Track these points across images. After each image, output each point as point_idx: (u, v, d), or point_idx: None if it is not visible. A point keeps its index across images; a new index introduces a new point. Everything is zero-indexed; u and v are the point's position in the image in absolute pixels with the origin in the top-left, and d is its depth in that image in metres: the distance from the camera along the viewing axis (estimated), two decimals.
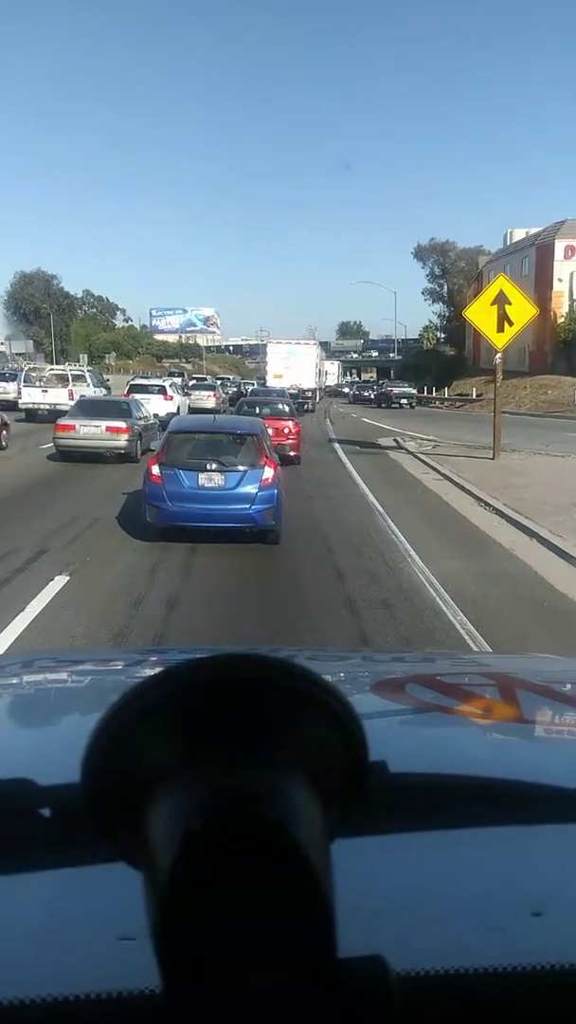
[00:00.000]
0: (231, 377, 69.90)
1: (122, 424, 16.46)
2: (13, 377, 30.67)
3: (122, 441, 16.30)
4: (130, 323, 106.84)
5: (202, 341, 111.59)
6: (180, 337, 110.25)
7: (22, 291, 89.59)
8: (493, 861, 0.88)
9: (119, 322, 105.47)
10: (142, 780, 0.52)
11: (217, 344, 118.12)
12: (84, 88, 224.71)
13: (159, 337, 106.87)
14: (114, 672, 2.03)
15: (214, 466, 9.16)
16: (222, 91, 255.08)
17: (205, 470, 9.12)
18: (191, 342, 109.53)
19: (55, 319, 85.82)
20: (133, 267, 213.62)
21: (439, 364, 67.85)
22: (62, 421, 17.02)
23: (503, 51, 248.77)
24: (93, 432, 16.20)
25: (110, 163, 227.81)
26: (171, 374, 51.60)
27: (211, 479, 9.11)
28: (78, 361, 57.39)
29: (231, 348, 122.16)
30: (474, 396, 49.46)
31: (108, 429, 16.23)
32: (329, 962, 0.50)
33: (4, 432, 18.37)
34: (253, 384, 45.03)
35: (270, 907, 0.48)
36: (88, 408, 17.40)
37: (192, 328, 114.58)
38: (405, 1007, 0.53)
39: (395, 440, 23.56)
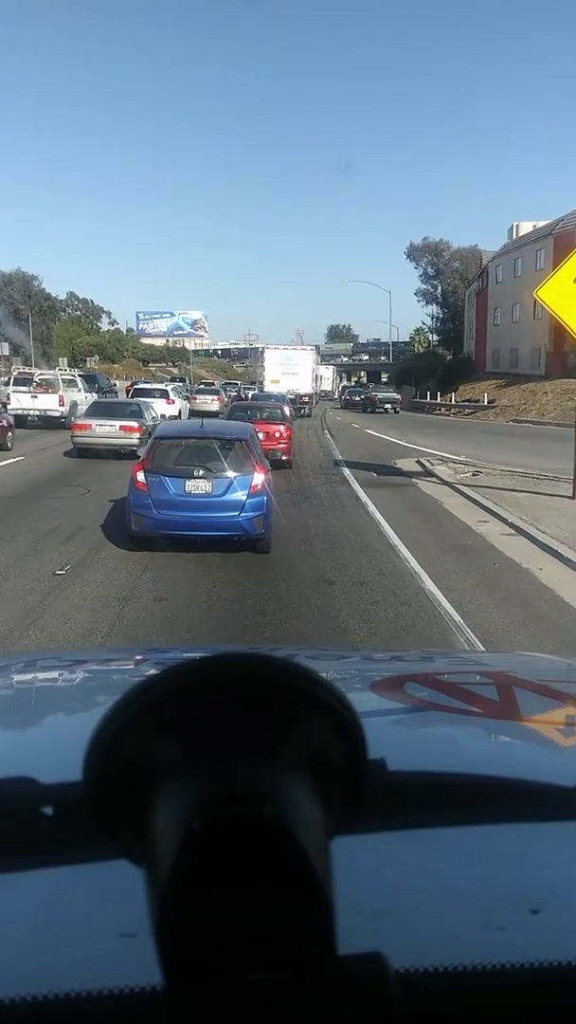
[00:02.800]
0: (237, 382, 67.79)
1: (134, 423, 17.92)
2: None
3: (134, 439, 17.03)
4: (116, 326, 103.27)
5: (190, 345, 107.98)
6: (167, 341, 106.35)
7: (0, 292, 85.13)
8: (492, 859, 0.88)
9: (104, 325, 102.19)
10: (143, 778, 0.52)
11: (205, 348, 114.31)
12: (73, 86, 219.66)
13: (145, 341, 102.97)
14: (115, 671, 2.03)
15: (201, 472, 8.85)
16: (212, 90, 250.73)
17: (192, 476, 8.82)
18: (178, 346, 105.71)
19: (36, 321, 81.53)
20: (120, 270, 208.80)
21: (443, 367, 63.07)
22: (79, 421, 18.80)
23: (502, 48, 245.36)
24: (108, 431, 17.73)
25: (97, 162, 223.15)
26: (172, 379, 53.84)
27: (198, 486, 8.79)
28: (58, 364, 57.65)
29: (219, 352, 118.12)
30: (485, 402, 44.65)
31: (122, 428, 17.74)
32: (329, 959, 0.50)
33: (10, 434, 19.15)
34: (254, 389, 44.95)
35: (270, 905, 0.48)
36: (103, 409, 19.43)
37: (180, 332, 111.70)
38: (404, 1004, 0.53)
39: (419, 463, 18.67)
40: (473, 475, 16.13)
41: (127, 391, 32.95)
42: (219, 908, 0.48)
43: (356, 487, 14.73)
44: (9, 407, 24.43)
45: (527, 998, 0.66)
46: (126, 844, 0.53)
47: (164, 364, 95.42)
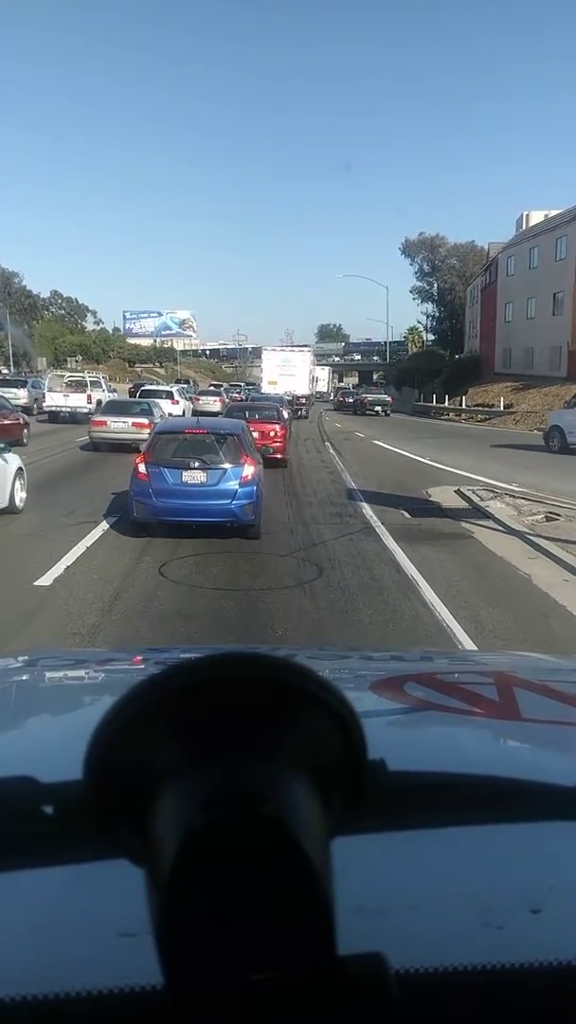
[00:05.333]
0: (241, 384, 67.46)
1: (145, 420, 19.61)
2: (24, 384, 33.77)
3: (145, 435, 17.76)
4: (101, 326, 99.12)
5: (178, 345, 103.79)
6: (155, 341, 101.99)
7: None
8: (492, 859, 0.88)
9: (90, 324, 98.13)
10: (144, 778, 0.52)
11: (194, 348, 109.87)
12: (61, 81, 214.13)
13: (132, 341, 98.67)
14: (115, 671, 2.03)
15: (197, 464, 9.63)
16: (203, 87, 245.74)
17: (188, 468, 9.59)
18: (166, 346, 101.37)
19: (18, 320, 77.04)
20: (106, 269, 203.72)
21: (450, 368, 58.45)
22: (96, 418, 21.05)
23: (501, 45, 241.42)
24: (121, 427, 20.01)
25: (84, 159, 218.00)
26: (177, 380, 56.38)
27: (194, 476, 9.57)
28: (37, 364, 58.68)
29: (207, 352, 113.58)
30: (502, 407, 40.04)
31: (134, 424, 19.75)
32: (329, 959, 0.50)
33: (25, 431, 20.72)
34: (255, 391, 45.11)
35: (271, 904, 0.48)
36: (117, 408, 21.93)
37: (168, 332, 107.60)
38: (405, 1004, 0.53)
39: (461, 494, 14.05)
40: (546, 519, 11.50)
41: (130, 392, 36.79)
42: (219, 907, 0.48)
43: (389, 541, 10.08)
44: (44, 405, 29.53)
45: (527, 998, 0.65)
46: (126, 844, 0.53)
47: (151, 365, 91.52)
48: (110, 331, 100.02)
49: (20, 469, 11.46)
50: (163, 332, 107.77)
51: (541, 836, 0.91)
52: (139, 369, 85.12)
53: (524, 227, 53.63)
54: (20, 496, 11.38)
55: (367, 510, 12.41)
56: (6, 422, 19.67)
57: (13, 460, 11.38)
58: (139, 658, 2.22)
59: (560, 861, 0.89)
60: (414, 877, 0.85)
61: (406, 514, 12.21)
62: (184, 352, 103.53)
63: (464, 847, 0.88)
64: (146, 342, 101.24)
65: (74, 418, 27.24)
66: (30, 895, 0.77)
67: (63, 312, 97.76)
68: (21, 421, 20.85)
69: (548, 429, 24.00)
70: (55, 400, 29.54)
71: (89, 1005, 0.59)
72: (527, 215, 55.13)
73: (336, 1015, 0.51)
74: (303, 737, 0.53)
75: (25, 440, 20.13)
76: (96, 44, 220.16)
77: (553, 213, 48.01)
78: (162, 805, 0.51)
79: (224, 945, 0.48)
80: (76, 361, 78.75)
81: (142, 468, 9.66)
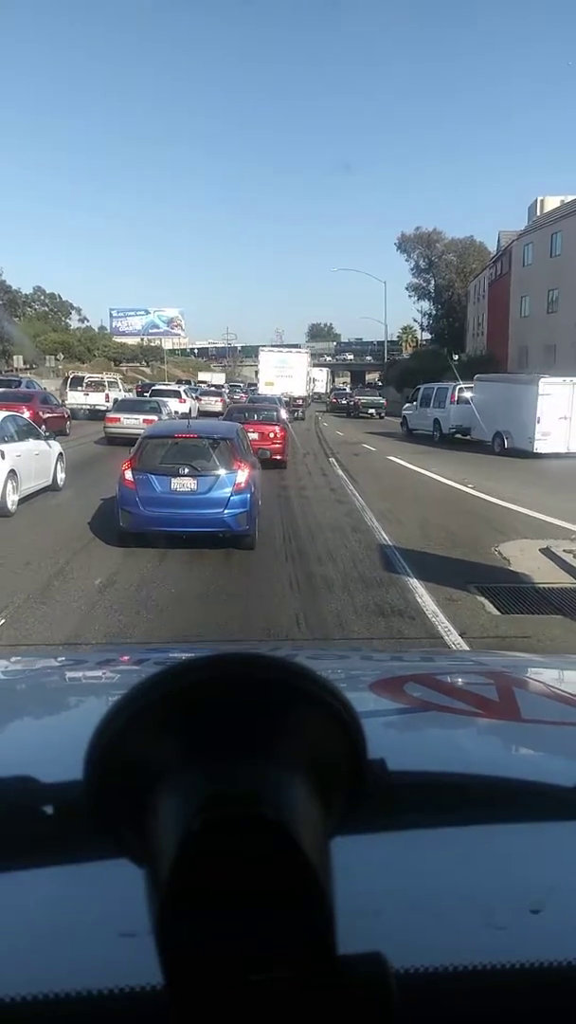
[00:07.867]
0: (242, 384, 66.66)
1: (154, 417, 20.53)
2: (19, 384, 35.51)
3: None
4: (87, 324, 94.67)
5: (167, 344, 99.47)
6: (142, 339, 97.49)
7: None
8: (492, 859, 0.88)
9: (74, 322, 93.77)
10: (143, 778, 0.52)
11: (182, 347, 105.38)
12: (51, 66, 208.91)
13: (119, 339, 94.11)
14: (115, 671, 2.03)
15: (187, 470, 9.21)
16: (192, 74, 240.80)
17: (178, 475, 9.17)
18: (153, 344, 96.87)
19: None
20: (92, 265, 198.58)
21: (461, 369, 53.61)
22: (110, 415, 23.56)
23: (500, 41, 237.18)
24: (133, 423, 21.08)
25: (72, 155, 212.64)
26: (179, 382, 56.69)
27: (183, 483, 9.16)
28: (14, 363, 56.40)
29: (195, 351, 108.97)
30: None
31: (144, 421, 19.58)
32: (329, 959, 0.50)
33: (69, 423, 24.10)
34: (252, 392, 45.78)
35: (270, 905, 0.48)
36: (129, 405, 24.78)
37: (156, 330, 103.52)
38: (405, 1005, 0.53)
39: (552, 557, 9.23)
40: None
41: (138, 392, 39.25)
42: (219, 908, 0.48)
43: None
44: (67, 402, 30.17)
45: (527, 998, 0.65)
46: (126, 844, 0.53)
47: (137, 364, 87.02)
48: (96, 329, 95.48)
49: (61, 454, 13.69)
50: (151, 330, 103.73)
51: (541, 836, 0.91)
52: (124, 368, 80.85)
53: (539, 213, 48.95)
54: (60, 477, 13.61)
55: (422, 596, 7.63)
56: (53, 415, 22.07)
57: (55, 446, 13.47)
58: (139, 659, 2.22)
59: (560, 861, 0.89)
60: (414, 877, 0.84)
61: (489, 605, 7.42)
62: (172, 351, 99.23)
63: (464, 847, 0.88)
64: (133, 340, 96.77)
65: (93, 415, 28.69)
66: (30, 895, 0.77)
67: (46, 309, 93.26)
68: (65, 415, 24.24)
69: (401, 419, 32.94)
70: (76, 399, 31.96)
71: (89, 1005, 0.58)
72: (541, 200, 50.44)
73: (336, 1015, 0.51)
74: (303, 737, 0.53)
75: (68, 431, 23.11)
76: (88, 28, 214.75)
77: (570, 198, 43.38)
78: (162, 805, 0.50)
79: (224, 945, 0.48)
80: (56, 359, 74.24)
81: (128, 475, 9.21)
